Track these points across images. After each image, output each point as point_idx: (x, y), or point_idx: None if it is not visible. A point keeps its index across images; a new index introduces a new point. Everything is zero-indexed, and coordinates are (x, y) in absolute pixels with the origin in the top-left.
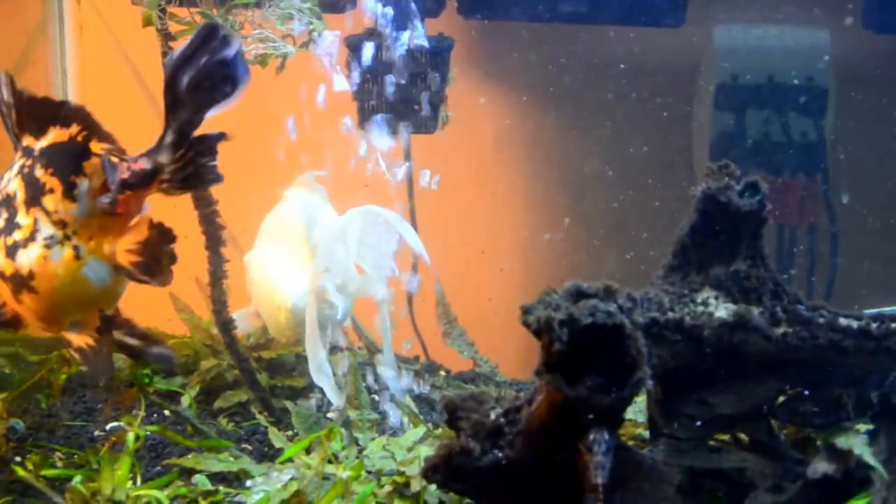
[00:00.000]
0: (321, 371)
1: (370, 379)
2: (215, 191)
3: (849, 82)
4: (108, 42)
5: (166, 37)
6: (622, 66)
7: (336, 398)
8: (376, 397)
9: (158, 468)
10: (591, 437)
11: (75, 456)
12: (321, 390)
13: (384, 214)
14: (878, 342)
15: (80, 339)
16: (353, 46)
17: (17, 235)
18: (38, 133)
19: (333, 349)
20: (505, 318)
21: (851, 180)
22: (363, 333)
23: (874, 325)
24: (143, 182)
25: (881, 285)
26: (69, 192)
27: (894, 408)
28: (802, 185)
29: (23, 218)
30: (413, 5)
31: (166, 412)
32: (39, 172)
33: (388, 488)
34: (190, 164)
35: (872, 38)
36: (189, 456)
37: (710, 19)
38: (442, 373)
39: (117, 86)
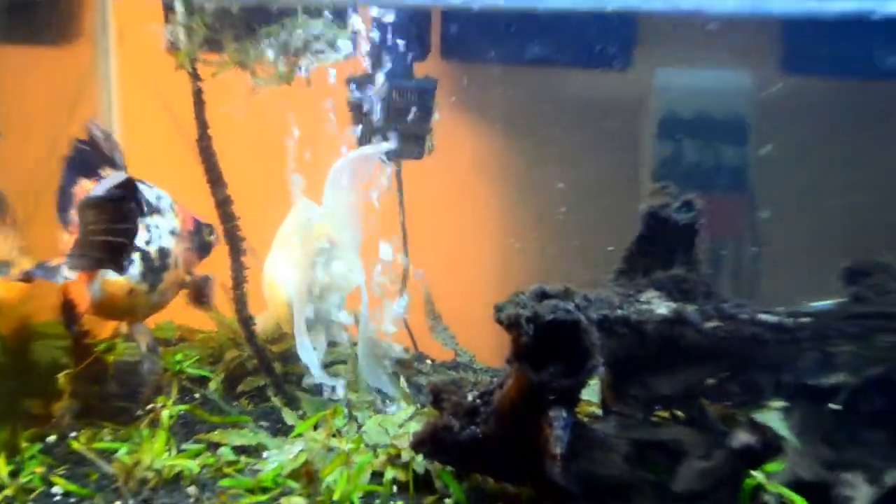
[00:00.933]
0: (305, 349)
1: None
2: (238, 209)
3: (768, 115)
4: (147, 82)
5: (195, 77)
6: (579, 101)
7: (318, 373)
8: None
9: (190, 442)
10: (552, 414)
11: (120, 431)
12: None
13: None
14: (792, 334)
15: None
16: (352, 86)
17: None
18: None
19: (332, 344)
20: (482, 315)
21: (771, 199)
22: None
23: (788, 320)
24: None
25: (796, 287)
26: None
27: (804, 388)
28: (730, 203)
29: None
30: (403, 51)
31: (196, 395)
32: None
33: (382, 458)
34: None
35: (788, 79)
36: (215, 432)
37: (653, 63)
38: (428, 361)
39: (154, 119)
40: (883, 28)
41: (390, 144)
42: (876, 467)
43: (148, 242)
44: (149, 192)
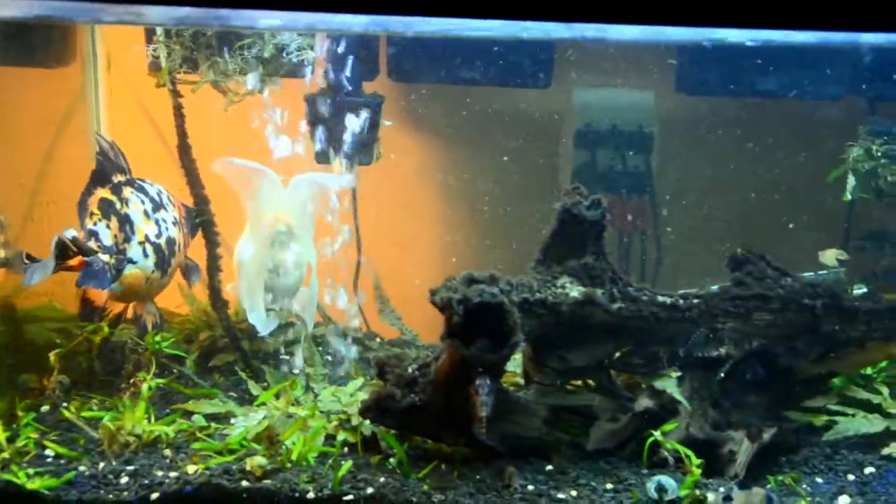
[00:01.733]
0: (254, 311)
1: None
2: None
3: (667, 129)
4: (132, 100)
5: (175, 94)
6: (508, 115)
7: (263, 329)
8: (329, 357)
9: (167, 411)
10: (479, 383)
11: (106, 402)
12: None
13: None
14: (684, 313)
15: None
16: (309, 102)
17: None
18: None
19: (290, 325)
20: (424, 298)
21: (669, 199)
22: (322, 311)
23: (681, 301)
24: None
25: (689, 274)
26: None
27: (695, 360)
28: (635, 203)
29: None
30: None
31: (174, 370)
32: None
33: (335, 423)
34: None
35: (682, 98)
36: (189, 402)
37: (570, 83)
38: (378, 339)
39: (139, 135)
40: (758, 54)
41: (352, 178)
42: (755, 427)
43: (158, 235)
44: (151, 190)
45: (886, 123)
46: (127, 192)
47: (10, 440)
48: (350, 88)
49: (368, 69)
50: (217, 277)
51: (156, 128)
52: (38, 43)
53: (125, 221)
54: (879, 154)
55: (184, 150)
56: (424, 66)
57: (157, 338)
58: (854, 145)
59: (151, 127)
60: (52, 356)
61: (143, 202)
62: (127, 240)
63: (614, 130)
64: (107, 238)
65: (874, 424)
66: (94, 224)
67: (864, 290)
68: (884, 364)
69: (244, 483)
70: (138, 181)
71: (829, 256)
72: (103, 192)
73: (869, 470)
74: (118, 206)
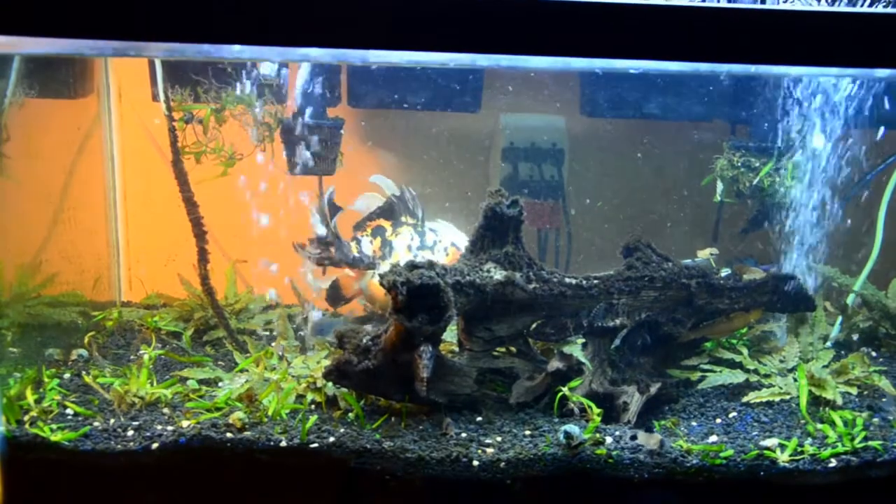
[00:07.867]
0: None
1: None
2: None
3: (575, 145)
4: (138, 126)
5: (170, 119)
6: (447, 134)
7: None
8: (301, 333)
9: (167, 377)
10: (421, 350)
11: (118, 370)
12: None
13: None
14: (586, 291)
15: None
16: (284, 124)
17: None
18: None
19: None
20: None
21: (577, 202)
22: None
23: (584, 282)
24: None
25: (592, 260)
26: None
27: (595, 329)
28: (550, 205)
29: None
30: (319, 99)
31: (173, 344)
32: None
33: (304, 385)
34: None
35: (585, 120)
36: (185, 370)
37: (497, 108)
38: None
39: (144, 154)
40: (643, 84)
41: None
42: (644, 382)
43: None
44: (430, 237)
45: (743, 141)
46: (403, 229)
47: (38, 401)
48: (318, 112)
49: (332, 97)
50: (205, 267)
51: (157, 145)
52: (61, 79)
53: (387, 245)
54: (739, 165)
55: (177, 162)
56: (378, 94)
57: (157, 318)
58: (720, 158)
59: (153, 144)
60: (86, 337)
61: (412, 239)
62: (383, 257)
63: (533, 147)
64: (366, 248)
65: (736, 377)
66: (362, 236)
67: (728, 271)
68: (744, 330)
69: (228, 434)
70: (426, 227)
71: (705, 253)
72: (384, 222)
73: (732, 414)
74: (388, 233)
